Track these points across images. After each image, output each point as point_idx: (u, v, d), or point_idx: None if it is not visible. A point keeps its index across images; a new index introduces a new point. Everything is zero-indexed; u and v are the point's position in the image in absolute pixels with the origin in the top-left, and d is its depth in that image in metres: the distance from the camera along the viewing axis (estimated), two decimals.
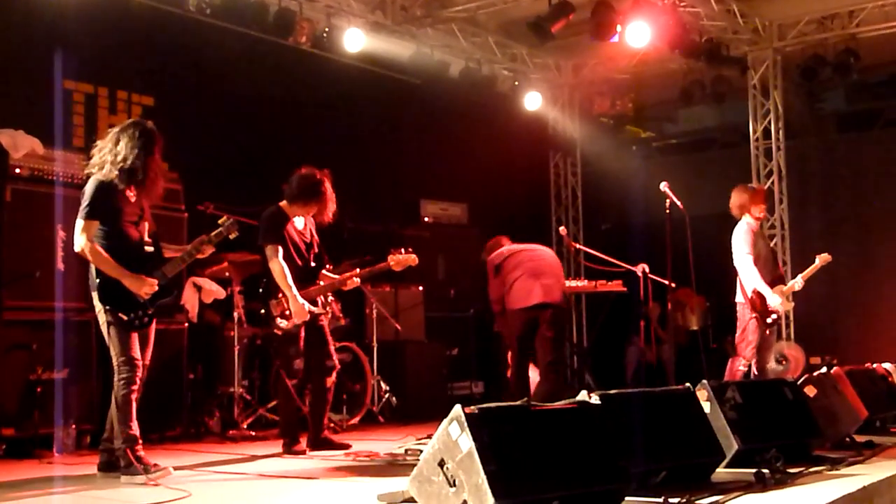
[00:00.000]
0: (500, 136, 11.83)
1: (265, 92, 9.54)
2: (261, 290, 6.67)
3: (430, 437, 4.50)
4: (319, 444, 6.63)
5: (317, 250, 6.76)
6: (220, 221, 5.71)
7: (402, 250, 6.92)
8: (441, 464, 3.59)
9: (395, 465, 5.80)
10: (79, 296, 6.82)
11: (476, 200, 11.25)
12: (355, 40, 9.87)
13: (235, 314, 7.77)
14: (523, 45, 11.95)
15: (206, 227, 6.97)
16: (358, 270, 6.85)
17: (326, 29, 9.76)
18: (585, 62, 12.81)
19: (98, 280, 5.28)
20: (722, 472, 4.74)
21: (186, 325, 7.60)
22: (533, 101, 12.23)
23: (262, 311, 6.64)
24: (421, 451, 4.31)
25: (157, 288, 5.36)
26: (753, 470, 4.52)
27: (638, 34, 9.63)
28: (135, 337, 5.33)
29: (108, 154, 5.32)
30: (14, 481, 5.36)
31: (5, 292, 6.58)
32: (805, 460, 5.11)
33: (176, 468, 5.44)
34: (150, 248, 5.51)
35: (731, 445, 4.84)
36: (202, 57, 9.00)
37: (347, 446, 6.63)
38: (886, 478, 4.67)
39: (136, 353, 5.31)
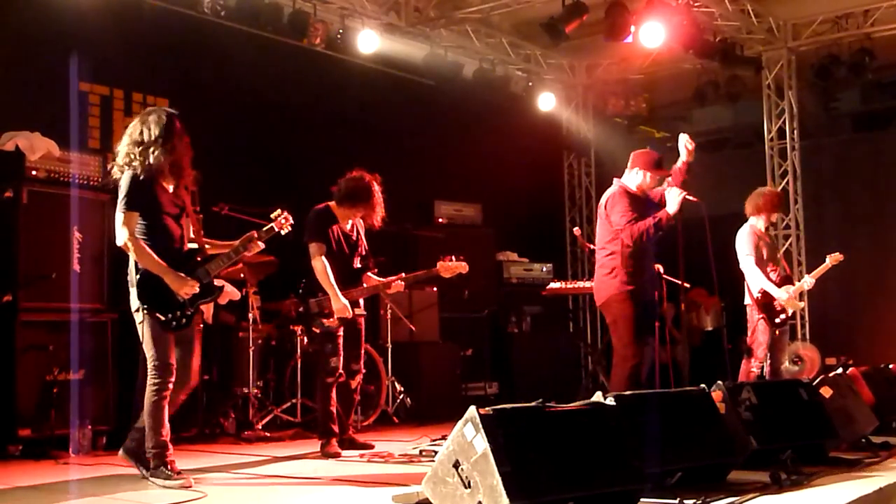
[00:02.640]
0: (513, 137, 11.83)
1: (279, 93, 9.58)
2: (300, 290, 6.62)
3: (444, 438, 4.52)
4: (343, 444, 6.63)
5: (363, 253, 6.79)
6: (272, 216, 5.50)
7: (453, 257, 6.92)
8: (456, 465, 3.59)
9: (409, 466, 5.80)
10: (95, 297, 6.88)
11: (490, 201, 11.23)
12: (369, 42, 9.89)
13: (250, 315, 7.80)
14: (537, 45, 11.94)
15: (222, 228, 7.01)
16: (403, 274, 6.86)
17: (340, 30, 9.78)
18: (599, 62, 12.79)
19: (138, 276, 5.05)
20: (737, 473, 4.73)
21: (201, 325, 7.60)
22: (547, 102, 12.21)
23: (301, 308, 6.62)
24: (435, 452, 4.32)
25: (198, 289, 5.17)
26: (769, 471, 4.51)
27: (652, 34, 9.61)
28: (171, 340, 5.11)
29: (129, 146, 5.06)
30: (33, 486, 5.36)
31: (22, 294, 6.61)
32: (821, 461, 5.10)
33: (191, 469, 5.46)
34: (193, 245, 5.31)
35: (747, 446, 4.83)
36: (217, 58, 9.04)
37: (371, 446, 6.66)
38: None
39: (172, 357, 5.08)
